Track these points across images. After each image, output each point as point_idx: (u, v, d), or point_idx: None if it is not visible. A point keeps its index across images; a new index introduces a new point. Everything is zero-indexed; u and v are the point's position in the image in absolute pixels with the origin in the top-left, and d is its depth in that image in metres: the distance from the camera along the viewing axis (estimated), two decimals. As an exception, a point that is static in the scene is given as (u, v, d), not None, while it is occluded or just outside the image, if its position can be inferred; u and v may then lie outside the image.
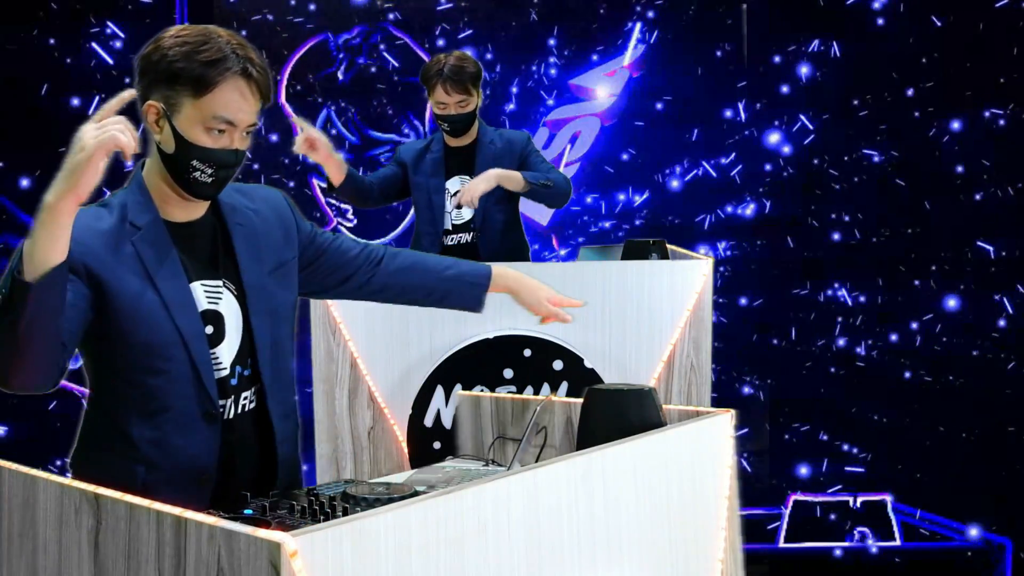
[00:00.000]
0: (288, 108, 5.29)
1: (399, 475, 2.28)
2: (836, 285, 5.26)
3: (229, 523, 1.31)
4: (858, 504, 4.97)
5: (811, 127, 5.30)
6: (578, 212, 5.42)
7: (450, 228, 3.87)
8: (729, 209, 5.38)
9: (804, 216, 5.32)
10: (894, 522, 4.91)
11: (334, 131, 5.34)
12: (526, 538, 1.63)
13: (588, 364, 3.31)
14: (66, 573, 1.51)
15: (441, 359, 3.32)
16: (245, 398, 2.01)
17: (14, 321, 1.66)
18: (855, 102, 5.23)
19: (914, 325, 5.11)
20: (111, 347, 1.89)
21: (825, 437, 5.22)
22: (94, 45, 5.08)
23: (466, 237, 3.86)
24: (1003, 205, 4.95)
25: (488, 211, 3.79)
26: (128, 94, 1.77)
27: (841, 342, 5.24)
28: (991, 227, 4.98)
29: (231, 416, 1.99)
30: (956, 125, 5.04)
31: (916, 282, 5.12)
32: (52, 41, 5.04)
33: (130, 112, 1.74)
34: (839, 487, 5.10)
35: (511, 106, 5.42)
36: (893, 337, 5.16)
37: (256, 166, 5.30)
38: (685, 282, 3.35)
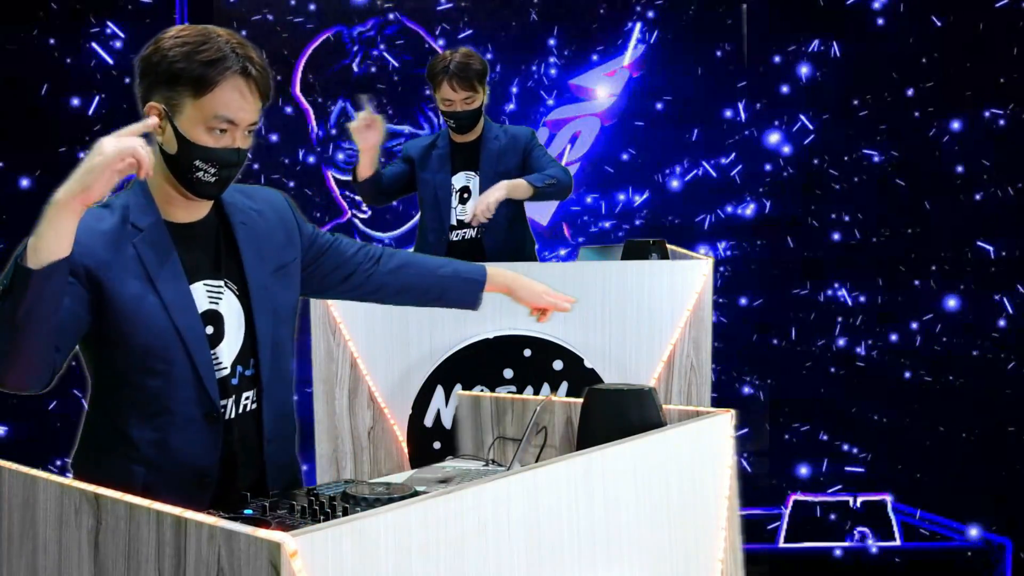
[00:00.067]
0: (303, 100, 5.29)
1: (399, 475, 2.28)
2: (836, 285, 5.26)
3: (229, 523, 1.31)
4: (858, 504, 4.97)
5: (811, 127, 5.30)
6: (578, 212, 5.42)
7: (455, 224, 3.88)
8: (729, 209, 5.38)
9: (804, 216, 5.33)
10: (894, 522, 4.91)
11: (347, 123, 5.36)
12: (526, 538, 1.63)
13: (588, 364, 3.31)
14: (66, 573, 1.51)
15: (441, 359, 3.33)
16: (246, 398, 2.02)
17: (13, 307, 1.67)
18: (855, 102, 5.23)
19: (914, 325, 5.11)
20: (111, 349, 1.90)
21: (825, 437, 5.22)
22: (94, 45, 5.08)
23: (471, 232, 3.86)
24: (1003, 205, 4.95)
25: None
26: (153, 122, 1.83)
27: (841, 342, 5.24)
28: (991, 227, 4.98)
29: (232, 416, 1.99)
30: (956, 125, 5.04)
31: (916, 282, 5.12)
32: (52, 41, 5.04)
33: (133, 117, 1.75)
34: (839, 487, 5.10)
35: (511, 106, 5.42)
36: (893, 337, 5.16)
37: (256, 166, 5.30)
38: (685, 282, 3.35)
